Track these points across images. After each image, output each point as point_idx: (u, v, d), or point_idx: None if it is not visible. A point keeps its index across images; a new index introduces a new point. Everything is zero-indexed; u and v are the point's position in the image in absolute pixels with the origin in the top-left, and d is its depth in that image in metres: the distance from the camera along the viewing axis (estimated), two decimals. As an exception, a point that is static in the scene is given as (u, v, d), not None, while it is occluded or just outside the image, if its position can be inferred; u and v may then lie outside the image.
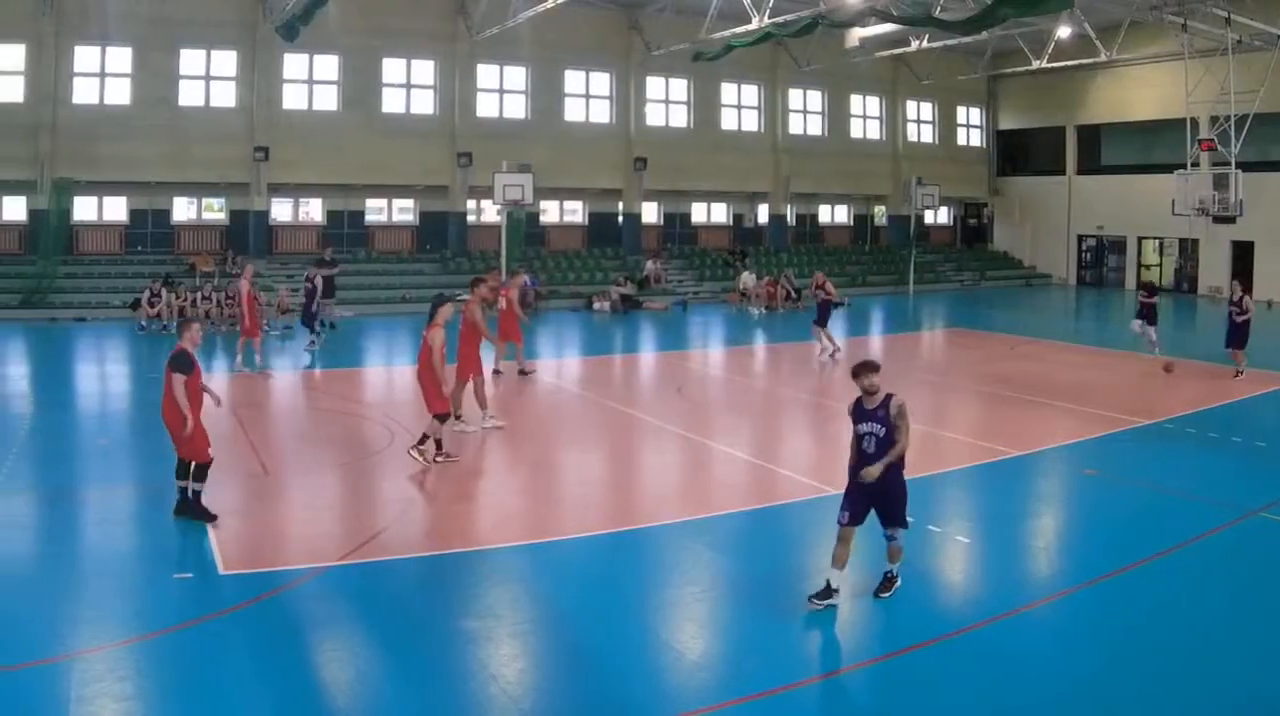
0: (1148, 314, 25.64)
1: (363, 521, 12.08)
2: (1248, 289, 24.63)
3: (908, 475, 9.75)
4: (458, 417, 16.46)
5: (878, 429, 9.43)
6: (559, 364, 26.42)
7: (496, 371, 22.03)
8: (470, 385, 16.88)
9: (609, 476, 15.32)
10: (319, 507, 13.03)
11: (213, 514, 11.78)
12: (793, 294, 39.31)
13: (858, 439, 9.64)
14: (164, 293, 31.57)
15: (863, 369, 9.61)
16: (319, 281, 27.26)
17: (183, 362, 11.79)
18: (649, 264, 41.32)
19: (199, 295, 32.48)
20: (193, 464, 11.84)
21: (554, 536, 11.75)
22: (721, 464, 15.65)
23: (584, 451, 16.48)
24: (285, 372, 23.80)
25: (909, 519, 9.78)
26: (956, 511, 13.28)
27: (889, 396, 9.48)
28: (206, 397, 12.28)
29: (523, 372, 22.48)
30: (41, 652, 8.34)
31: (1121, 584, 10.37)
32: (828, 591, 9.38)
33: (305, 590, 9.84)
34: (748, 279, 40.22)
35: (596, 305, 38.19)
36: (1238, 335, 22.93)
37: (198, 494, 11.84)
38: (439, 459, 14.65)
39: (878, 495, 9.47)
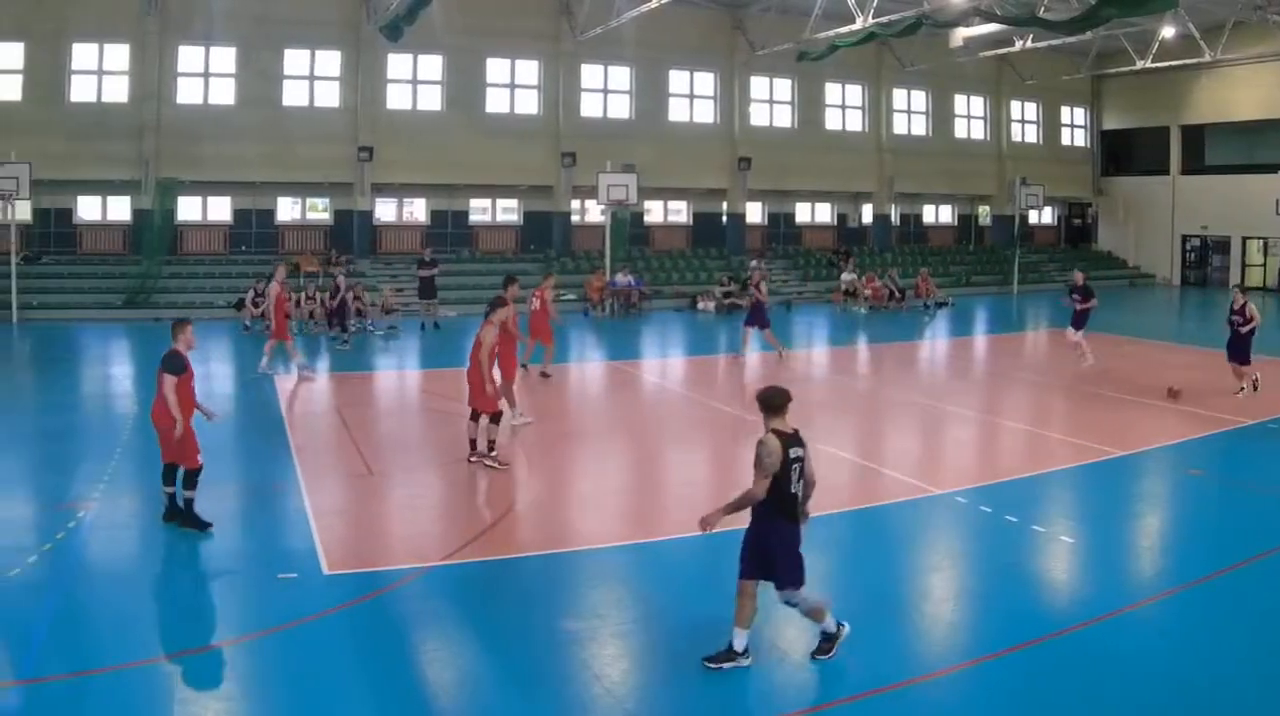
0: (1078, 319, 23.51)
1: (466, 522, 11.96)
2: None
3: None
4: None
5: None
6: (663, 364, 26.16)
7: (545, 374, 21.60)
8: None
9: (712, 476, 14.92)
10: (422, 508, 12.93)
11: (205, 522, 11.27)
12: (896, 293, 38.64)
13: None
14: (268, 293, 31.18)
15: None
16: (342, 282, 27.30)
17: (174, 364, 11.25)
18: (753, 264, 40.17)
19: (302, 295, 31.91)
20: (181, 469, 11.32)
21: (657, 536, 11.59)
22: (824, 464, 14.95)
23: (687, 451, 16.26)
24: (389, 371, 23.87)
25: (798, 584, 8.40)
26: (1060, 511, 13.02)
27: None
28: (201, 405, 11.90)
29: (544, 375, 21.59)
30: (146, 652, 8.32)
31: (1229, 584, 10.13)
32: (729, 654, 8.18)
33: (408, 590, 9.69)
34: (849, 278, 39.56)
35: (700, 305, 37.61)
36: (1240, 348, 19.65)
37: (189, 502, 11.33)
38: (478, 459, 14.33)
39: (758, 550, 8.23)
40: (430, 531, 11.69)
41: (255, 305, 30.44)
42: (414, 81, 38.02)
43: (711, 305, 37.26)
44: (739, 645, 8.14)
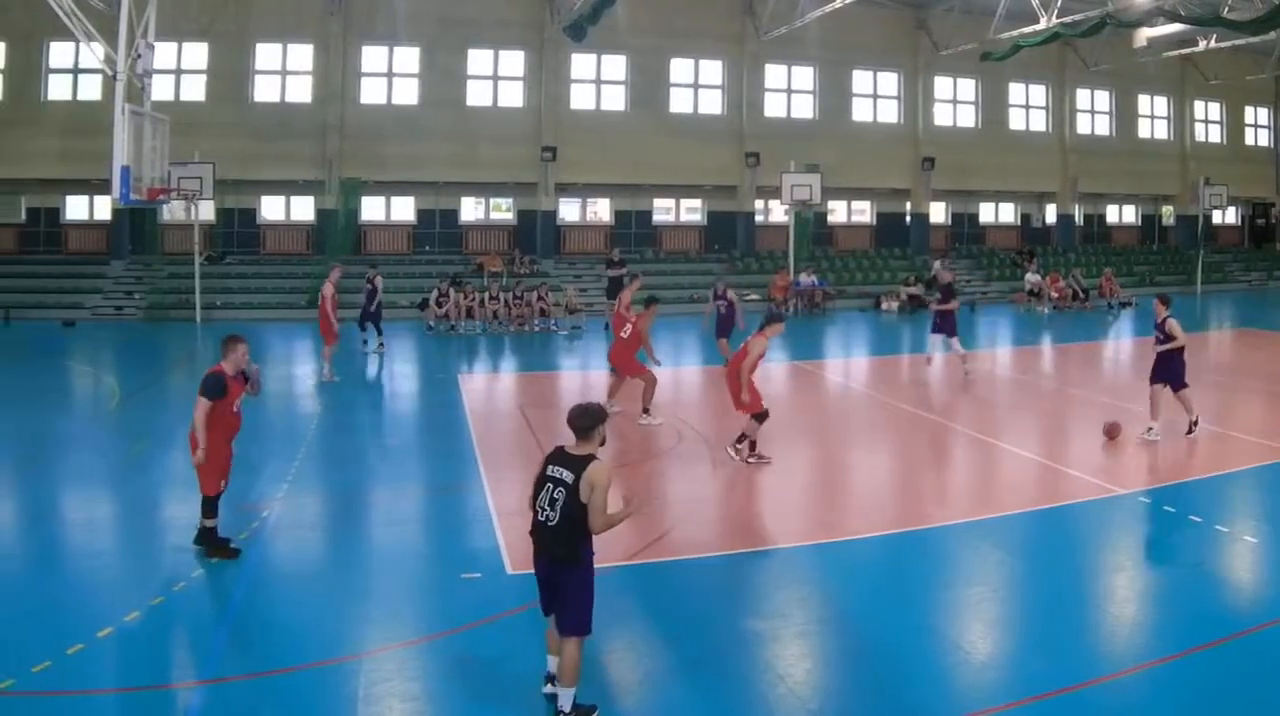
0: (945, 325, 21.71)
1: (649, 521, 11.49)
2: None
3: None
4: (645, 412, 16.70)
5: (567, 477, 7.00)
6: (846, 363, 25.82)
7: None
8: (640, 381, 16.90)
9: (895, 476, 14.58)
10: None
11: (234, 549, 10.25)
12: (1080, 294, 37.43)
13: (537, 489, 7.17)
14: (451, 293, 30.64)
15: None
16: (379, 283, 25.75)
17: (212, 387, 9.96)
18: (936, 264, 39.07)
19: (486, 295, 31.33)
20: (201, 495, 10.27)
21: (841, 536, 11.36)
22: (1008, 464, 15.10)
23: (870, 451, 15.86)
24: (573, 371, 23.60)
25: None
26: (1245, 512, 12.51)
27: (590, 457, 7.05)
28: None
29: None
30: (330, 652, 8.22)
31: None
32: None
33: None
34: (1033, 278, 38.28)
35: (884, 305, 36.60)
36: (1163, 371, 15.50)
37: (209, 530, 10.26)
38: (751, 459, 14.15)
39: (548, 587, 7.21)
40: (614, 531, 10.67)
41: (439, 306, 30.11)
42: (598, 81, 37.40)
43: (895, 305, 36.33)
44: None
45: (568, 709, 7.01)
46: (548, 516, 6.93)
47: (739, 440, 14.22)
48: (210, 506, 10.21)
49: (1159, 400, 15.50)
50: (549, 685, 7.29)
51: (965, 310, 35.38)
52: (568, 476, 6.90)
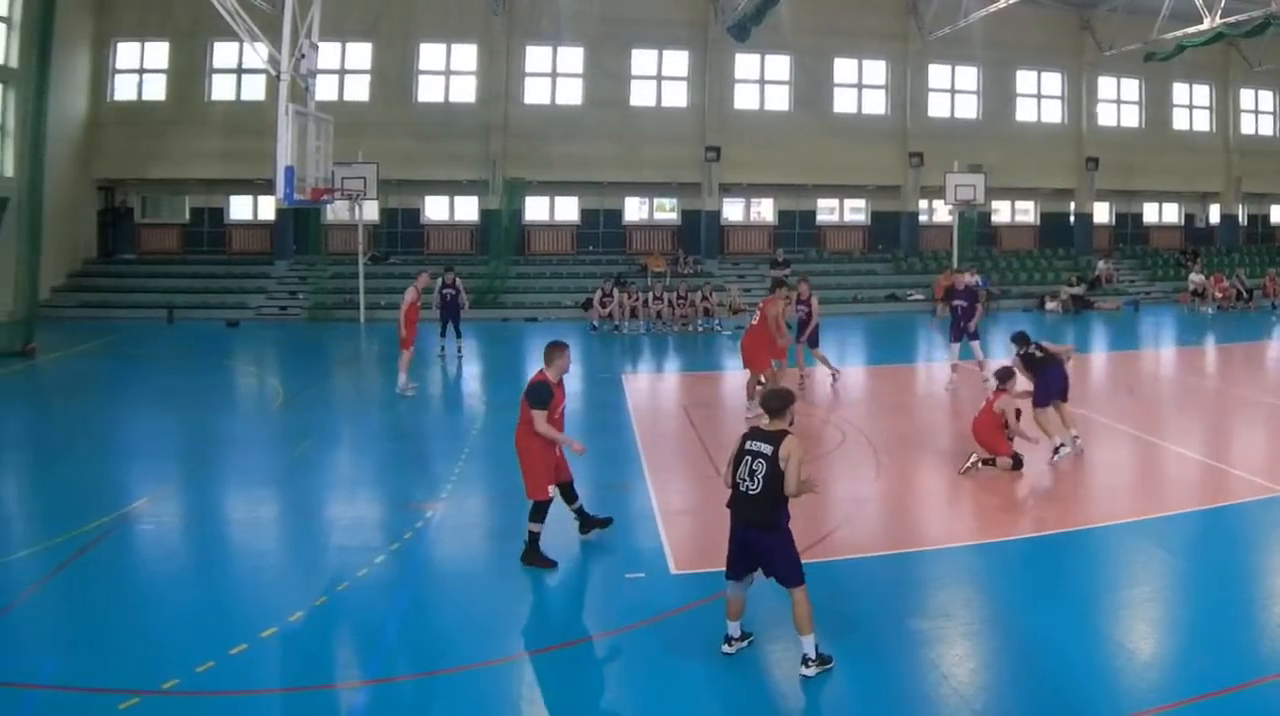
0: (965, 320, 20.16)
1: (813, 521, 11.25)
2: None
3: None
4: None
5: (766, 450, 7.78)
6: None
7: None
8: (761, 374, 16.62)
9: (1059, 476, 14.00)
10: None
11: (550, 560, 10.06)
12: (1244, 294, 36.53)
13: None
14: (615, 293, 30.32)
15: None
16: (460, 285, 24.33)
17: (539, 397, 9.91)
18: (1100, 264, 38.49)
19: (650, 295, 30.94)
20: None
21: (1004, 536, 11.29)
22: (1173, 463, 14.92)
23: (1032, 450, 14.89)
24: (736, 371, 22.29)
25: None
26: None
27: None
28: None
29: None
30: (494, 652, 8.23)
31: None
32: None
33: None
34: (1197, 279, 37.23)
35: (1048, 305, 35.66)
36: (1049, 388, 14.64)
37: (534, 537, 10.13)
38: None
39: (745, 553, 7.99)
40: None
41: (603, 306, 29.83)
42: (761, 81, 36.78)
43: (1058, 305, 35.41)
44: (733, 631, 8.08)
45: (812, 655, 7.66)
46: (748, 487, 7.71)
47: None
48: (539, 512, 10.02)
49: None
50: (728, 645, 8.00)
51: (1129, 309, 35.68)
52: (766, 449, 7.68)
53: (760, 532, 7.74)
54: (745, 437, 7.89)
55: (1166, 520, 11.57)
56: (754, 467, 7.69)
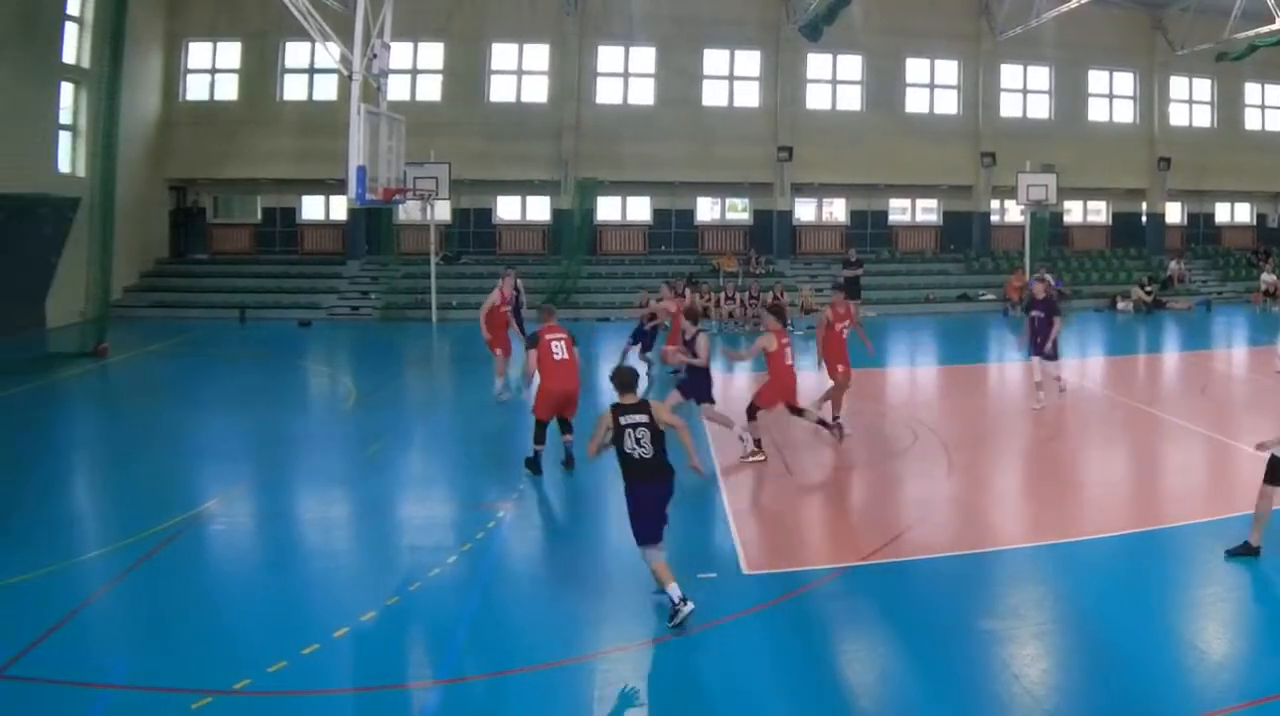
0: (1040, 336, 17.40)
1: (886, 521, 11.61)
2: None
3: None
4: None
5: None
6: (1082, 363, 24.76)
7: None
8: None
9: (1131, 476, 14.38)
10: (841, 507, 12.90)
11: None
12: None
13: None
14: (688, 293, 30.12)
15: None
16: (520, 285, 21.52)
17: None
18: (1172, 264, 38.03)
19: (721, 295, 30.61)
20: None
21: (1076, 536, 11.03)
22: (1246, 464, 13.75)
23: (1106, 451, 15.50)
24: (806, 372, 21.17)
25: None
26: None
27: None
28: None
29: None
30: (566, 652, 8.18)
31: None
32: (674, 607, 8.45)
33: (827, 590, 9.46)
34: (1269, 278, 36.71)
35: (1120, 305, 35.22)
36: None
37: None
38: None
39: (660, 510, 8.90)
40: (849, 531, 11.55)
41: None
42: (833, 81, 36.47)
43: (1130, 305, 35.00)
44: (675, 596, 8.34)
45: (676, 603, 8.34)
46: (641, 453, 8.61)
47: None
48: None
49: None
50: (682, 607, 8.29)
51: (1201, 309, 35.21)
52: (643, 418, 8.68)
53: (664, 482, 8.66)
54: (616, 415, 8.70)
55: (1238, 520, 11.08)
56: (639, 437, 8.59)
